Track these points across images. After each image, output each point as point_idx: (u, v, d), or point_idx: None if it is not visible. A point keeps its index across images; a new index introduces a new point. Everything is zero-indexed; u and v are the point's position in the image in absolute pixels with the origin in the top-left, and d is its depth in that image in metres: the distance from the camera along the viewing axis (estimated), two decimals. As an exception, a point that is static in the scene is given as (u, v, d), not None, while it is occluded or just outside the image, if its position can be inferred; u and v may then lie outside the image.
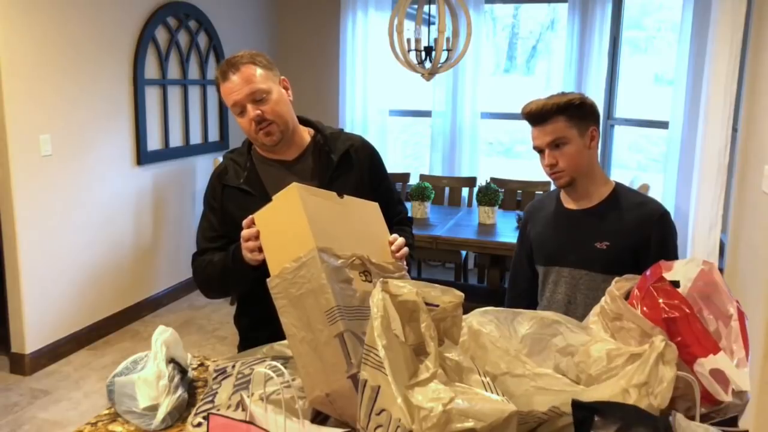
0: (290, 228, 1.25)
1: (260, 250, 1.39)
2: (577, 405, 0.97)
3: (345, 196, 1.39)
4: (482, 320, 1.29)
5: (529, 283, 1.95)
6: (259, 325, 1.40)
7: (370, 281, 1.26)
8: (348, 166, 1.76)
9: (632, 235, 1.74)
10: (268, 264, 1.28)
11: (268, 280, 1.23)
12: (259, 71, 1.64)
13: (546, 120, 1.72)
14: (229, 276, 1.63)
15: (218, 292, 1.81)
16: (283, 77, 1.73)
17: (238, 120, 1.67)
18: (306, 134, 1.79)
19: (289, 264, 1.20)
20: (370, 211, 1.47)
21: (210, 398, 1.27)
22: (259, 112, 1.62)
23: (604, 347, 1.16)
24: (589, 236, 1.78)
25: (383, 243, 1.43)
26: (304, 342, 1.18)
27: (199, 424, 1.22)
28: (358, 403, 1.00)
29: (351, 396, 1.10)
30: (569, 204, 1.85)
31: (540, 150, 1.77)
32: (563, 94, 1.75)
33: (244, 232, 1.44)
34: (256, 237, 1.39)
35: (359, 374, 1.07)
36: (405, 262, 1.50)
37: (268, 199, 1.54)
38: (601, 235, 1.76)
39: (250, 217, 1.42)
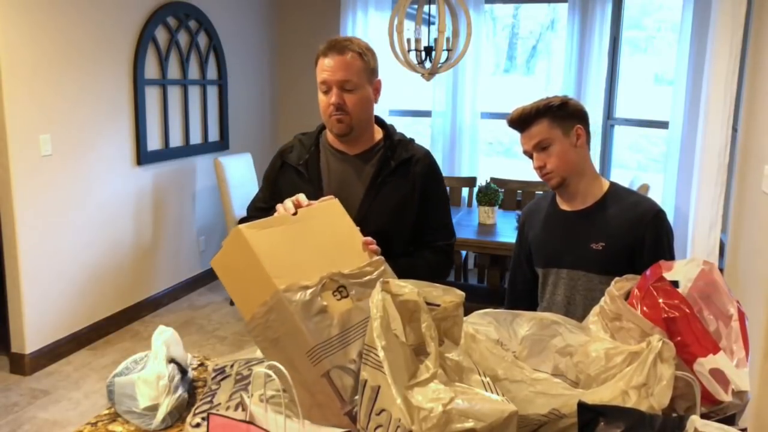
0: (248, 272, 1.20)
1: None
2: (582, 407, 0.97)
3: (298, 211, 1.35)
4: (481, 322, 1.29)
5: (529, 285, 1.95)
6: None
7: (347, 296, 1.22)
8: (404, 173, 1.79)
9: (627, 234, 1.74)
10: (239, 309, 1.24)
11: (245, 323, 1.21)
12: (359, 64, 1.70)
13: (529, 124, 1.75)
14: None
15: None
16: (378, 79, 1.78)
17: (320, 96, 1.73)
18: (377, 135, 1.84)
19: (258, 308, 1.17)
20: (330, 211, 1.40)
21: (209, 398, 1.27)
22: (341, 100, 1.68)
23: (603, 347, 1.16)
24: (585, 237, 1.78)
25: (352, 243, 1.36)
26: (295, 381, 1.15)
27: (198, 425, 1.22)
28: (358, 404, 1.00)
29: (353, 428, 1.10)
30: (564, 205, 1.86)
31: (529, 154, 1.80)
32: (546, 98, 1.78)
33: (280, 206, 1.44)
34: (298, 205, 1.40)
35: (355, 409, 1.07)
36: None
37: (320, 185, 1.62)
38: (597, 235, 1.76)
39: (299, 195, 1.44)
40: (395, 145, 1.81)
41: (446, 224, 1.87)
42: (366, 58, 1.72)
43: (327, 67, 1.69)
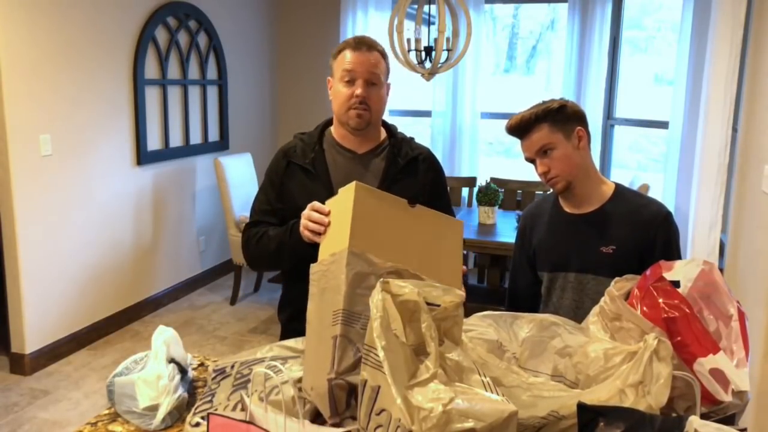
0: (340, 223, 1.29)
1: (318, 233, 1.42)
2: (582, 408, 0.97)
3: (418, 206, 1.33)
4: (481, 324, 1.29)
5: (531, 290, 1.93)
6: (302, 315, 1.41)
7: None
8: (412, 171, 1.84)
9: (637, 237, 1.73)
10: (320, 248, 1.33)
11: (312, 264, 1.28)
12: (383, 63, 1.77)
13: (529, 131, 1.74)
14: (283, 250, 1.70)
15: (267, 264, 1.85)
16: (389, 82, 1.83)
17: (340, 88, 1.75)
18: (381, 134, 1.88)
19: (327, 257, 1.24)
20: (450, 228, 1.37)
21: (208, 398, 1.27)
22: (366, 93, 1.72)
23: (602, 347, 1.16)
24: (594, 241, 1.76)
25: (447, 265, 1.31)
26: (314, 333, 1.22)
27: (197, 424, 1.22)
28: (358, 403, 1.00)
29: (325, 398, 1.12)
30: (569, 208, 1.84)
31: (531, 160, 1.79)
32: (543, 102, 1.77)
33: (315, 214, 1.45)
34: (322, 223, 1.41)
35: (335, 382, 1.10)
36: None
37: (329, 183, 1.67)
38: (606, 239, 1.75)
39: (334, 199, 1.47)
40: (399, 143, 1.86)
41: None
42: (386, 60, 1.80)
43: (355, 59, 1.72)
